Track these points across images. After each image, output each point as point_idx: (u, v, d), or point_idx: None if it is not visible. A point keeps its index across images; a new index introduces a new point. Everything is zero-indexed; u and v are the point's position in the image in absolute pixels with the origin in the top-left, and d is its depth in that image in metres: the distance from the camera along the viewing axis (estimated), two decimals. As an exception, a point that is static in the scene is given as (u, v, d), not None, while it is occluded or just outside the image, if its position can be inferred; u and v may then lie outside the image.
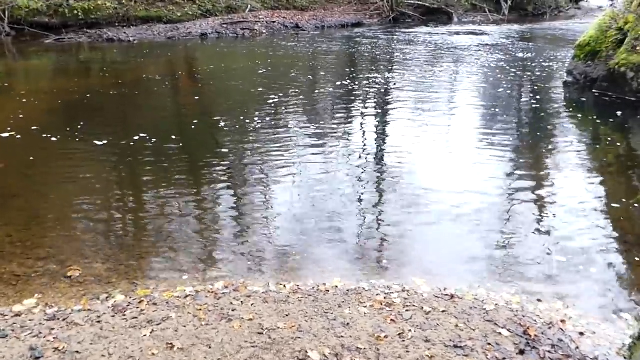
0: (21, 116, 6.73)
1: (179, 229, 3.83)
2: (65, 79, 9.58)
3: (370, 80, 9.27)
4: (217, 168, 5.08)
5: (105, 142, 5.69)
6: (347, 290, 2.87)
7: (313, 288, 2.92)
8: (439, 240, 3.73)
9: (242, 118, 6.70)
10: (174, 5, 16.20)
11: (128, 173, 5.04)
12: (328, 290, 2.87)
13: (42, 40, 13.41)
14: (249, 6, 17.38)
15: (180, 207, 4.22)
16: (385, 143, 6.04)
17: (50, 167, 5.12)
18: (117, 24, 15.11)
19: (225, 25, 15.33)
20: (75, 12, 14.53)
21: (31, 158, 5.24)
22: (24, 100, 7.70)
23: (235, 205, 4.32)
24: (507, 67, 10.43)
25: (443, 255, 3.52)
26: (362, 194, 4.50)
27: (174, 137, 5.88)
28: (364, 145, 5.89)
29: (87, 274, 3.22)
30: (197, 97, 8.11)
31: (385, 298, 2.77)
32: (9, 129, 6.02)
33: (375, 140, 6.16)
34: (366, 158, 5.44)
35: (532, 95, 8.32)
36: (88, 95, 7.94)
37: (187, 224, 3.93)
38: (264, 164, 5.16)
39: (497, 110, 7.51)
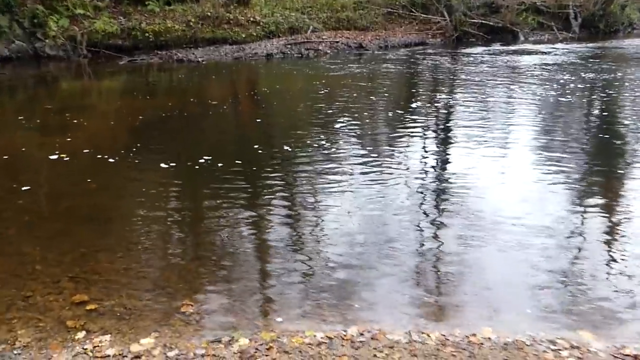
0: (90, 136, 6.76)
1: (279, 262, 3.56)
2: (133, 100, 9.68)
3: (432, 101, 8.91)
4: (288, 194, 4.86)
5: (173, 164, 5.52)
6: (505, 344, 2.48)
7: (463, 340, 2.54)
8: (580, 283, 3.28)
9: (303, 141, 6.49)
10: (239, 27, 16.40)
11: (207, 198, 4.78)
12: (482, 343, 2.49)
13: (116, 62, 13.81)
14: (311, 27, 17.39)
15: (271, 236, 3.98)
16: (447, 166, 5.70)
17: (127, 190, 5.05)
18: (185, 46, 15.40)
19: (289, 46, 15.35)
20: (147, 34, 14.93)
21: (104, 179, 5.19)
22: (95, 120, 7.80)
23: (319, 234, 3.99)
24: (577, 88, 9.80)
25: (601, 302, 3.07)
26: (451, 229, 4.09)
27: (238, 161, 5.66)
28: (425, 168, 5.55)
29: (201, 310, 2.97)
30: (259, 120, 7.93)
31: (555, 357, 2.36)
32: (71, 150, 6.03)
33: (437, 163, 5.83)
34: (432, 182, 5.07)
35: (603, 117, 7.72)
36: (155, 116, 7.95)
37: (283, 255, 3.65)
38: (329, 188, 4.89)
39: (564, 133, 6.99)
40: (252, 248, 3.82)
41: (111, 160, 5.67)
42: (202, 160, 5.56)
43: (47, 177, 5.45)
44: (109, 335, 2.72)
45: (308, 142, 6.39)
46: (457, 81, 10.99)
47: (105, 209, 4.61)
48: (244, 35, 16.20)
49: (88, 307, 2.99)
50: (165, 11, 16.10)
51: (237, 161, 5.65)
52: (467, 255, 3.62)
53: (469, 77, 11.23)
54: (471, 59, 14.32)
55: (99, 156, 5.77)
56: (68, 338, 2.71)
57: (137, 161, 5.73)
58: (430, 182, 5.12)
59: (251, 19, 16.73)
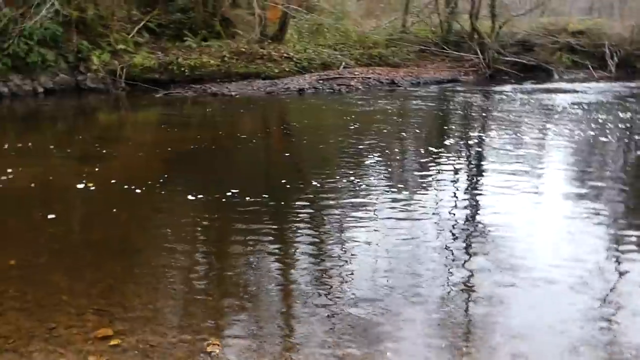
0: (119, 166, 6.85)
1: (303, 302, 3.41)
2: (164, 132, 9.82)
3: (464, 139, 8.75)
4: (315, 230, 4.75)
5: (200, 196, 5.47)
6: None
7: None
8: None
9: (332, 176, 6.39)
10: (272, 62, 16.70)
11: (234, 233, 4.67)
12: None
13: (152, 95, 14.18)
14: (343, 63, 17.58)
15: (296, 275, 3.85)
16: (478, 206, 5.49)
17: (153, 221, 5.04)
18: (219, 80, 15.73)
19: (321, 81, 15.50)
20: (183, 69, 15.33)
21: (131, 210, 5.18)
22: (125, 151, 7.93)
23: (345, 273, 3.83)
24: (614, 127, 9.45)
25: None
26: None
27: (265, 195, 5.58)
28: (455, 208, 5.34)
29: (228, 352, 2.83)
30: (288, 154, 7.88)
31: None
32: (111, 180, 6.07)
33: (468, 203, 5.63)
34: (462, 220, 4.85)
35: None
36: (185, 148, 8.01)
37: (308, 295, 3.51)
38: (357, 226, 4.75)
39: (600, 174, 6.73)
40: (277, 286, 3.69)
41: (138, 190, 5.68)
42: (230, 194, 5.51)
43: (73, 207, 5.50)
44: (130, 375, 2.61)
45: (337, 177, 6.30)
46: (490, 119, 10.82)
47: (132, 241, 4.58)
48: (276, 71, 16.46)
49: (112, 342, 2.90)
50: (201, 47, 16.56)
51: (264, 195, 5.59)
52: (497, 301, 3.42)
53: (502, 115, 11.04)
54: (504, 96, 14.14)
55: (126, 187, 5.80)
56: (89, 375, 2.61)
57: (163, 192, 5.73)
58: (460, 222, 4.92)
59: (284, 54, 17.03)
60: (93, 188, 5.78)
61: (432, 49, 19.40)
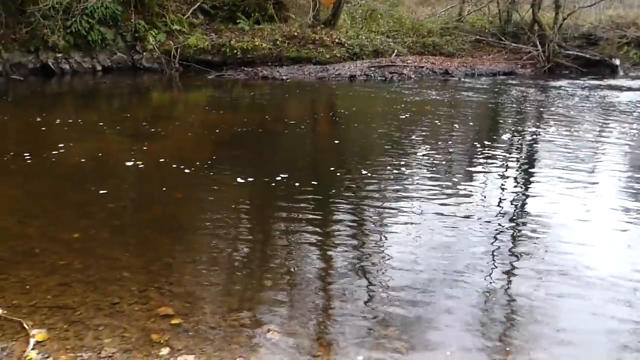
0: (168, 145, 6.92)
1: (371, 288, 3.32)
2: (214, 113, 9.89)
3: (517, 134, 8.34)
4: (360, 218, 4.63)
5: (250, 179, 5.46)
6: None
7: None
8: None
9: (380, 165, 6.22)
10: (324, 47, 16.55)
11: (282, 219, 4.62)
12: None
13: (204, 76, 14.34)
14: (396, 51, 17.24)
15: (342, 262, 3.73)
16: (527, 203, 5.20)
17: (205, 202, 5.01)
18: (270, 63, 15.74)
19: (373, 68, 15.26)
20: (235, 51, 15.41)
21: (183, 189, 5.19)
22: (175, 130, 8.01)
23: (387, 263, 3.69)
24: None
25: None
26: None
27: (314, 182, 5.54)
28: (503, 203, 5.08)
29: (287, 339, 2.78)
30: (337, 141, 7.72)
31: None
32: (159, 159, 6.12)
33: (517, 198, 5.33)
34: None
35: None
36: (234, 130, 8.03)
37: (354, 282, 3.41)
38: (402, 216, 4.55)
39: None
40: (319, 273, 3.60)
41: (187, 170, 5.72)
42: (279, 178, 5.47)
43: (124, 184, 5.56)
44: (193, 356, 2.59)
45: (384, 167, 6.13)
46: (547, 115, 10.31)
47: (185, 220, 4.60)
48: (328, 56, 16.31)
49: (173, 322, 2.90)
50: (254, 30, 16.59)
51: (313, 182, 5.53)
52: (541, 302, 3.22)
53: (559, 111, 10.52)
54: (563, 92, 13.50)
55: (175, 166, 5.86)
56: (152, 353, 2.61)
57: (212, 174, 5.75)
58: (508, 218, 4.66)
59: (336, 40, 16.85)
60: (142, 166, 5.87)
61: (488, 39, 18.74)
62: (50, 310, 2.99)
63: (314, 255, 3.90)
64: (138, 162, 5.96)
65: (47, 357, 2.54)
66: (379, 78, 14.76)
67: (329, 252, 3.93)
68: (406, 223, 4.47)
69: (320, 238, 4.16)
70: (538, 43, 17.43)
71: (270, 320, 2.96)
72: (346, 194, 5.25)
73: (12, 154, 6.17)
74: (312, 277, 3.55)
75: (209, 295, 3.25)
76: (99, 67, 14.18)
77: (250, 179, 5.46)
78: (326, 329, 2.93)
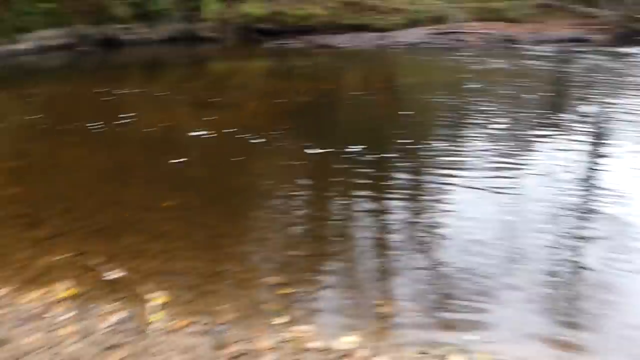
0: (233, 115, 6.95)
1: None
2: (274, 83, 9.87)
3: (588, 106, 7.74)
4: (425, 192, 4.44)
5: (319, 150, 5.40)
6: None
7: None
8: None
9: (447, 137, 6.05)
10: (382, 14, 16.13)
11: (355, 188, 4.55)
12: None
13: (262, 44, 14.30)
14: (457, 17, 16.58)
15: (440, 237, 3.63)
16: (597, 181, 4.80)
17: (281, 173, 4.99)
18: (327, 31, 15.50)
19: (434, 35, 14.77)
20: (292, 19, 15.25)
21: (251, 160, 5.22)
22: (237, 100, 8.03)
23: (448, 238, 3.54)
24: None
25: None
26: None
27: (385, 154, 5.39)
28: (571, 180, 4.72)
29: (401, 314, 2.76)
30: (402, 112, 7.46)
31: None
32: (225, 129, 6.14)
33: (586, 176, 4.96)
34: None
35: None
36: (294, 100, 7.97)
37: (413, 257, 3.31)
38: (467, 191, 4.36)
39: None
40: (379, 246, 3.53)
41: (254, 140, 5.72)
42: (349, 149, 5.39)
43: (197, 153, 5.63)
44: (309, 326, 2.61)
45: (455, 139, 5.97)
46: (622, 86, 9.65)
47: (265, 190, 4.61)
48: (386, 23, 15.90)
49: (283, 291, 2.94)
50: (311, -4, 16.33)
51: (384, 154, 5.38)
52: (611, 285, 3.01)
53: (635, 80, 9.86)
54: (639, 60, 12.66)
55: (241, 135, 5.88)
56: (268, 322, 2.65)
57: (281, 144, 5.76)
58: (578, 194, 4.39)
59: (395, 6, 16.38)
60: (210, 136, 5.94)
61: (556, 3, 17.69)
62: (162, 276, 3.08)
63: (390, 228, 3.82)
64: (205, 132, 6.04)
65: (169, 321, 2.63)
66: (439, 45, 14.27)
67: (393, 225, 3.83)
68: (468, 196, 4.31)
69: (394, 210, 4.07)
70: (611, 7, 16.32)
71: (382, 295, 2.94)
72: (419, 167, 5.13)
73: (91, 123, 6.37)
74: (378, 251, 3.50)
75: (315, 267, 3.25)
76: (160, 37, 14.38)
77: (320, 150, 5.42)
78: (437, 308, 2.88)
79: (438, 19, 16.39)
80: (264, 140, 5.81)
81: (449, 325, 2.67)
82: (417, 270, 3.20)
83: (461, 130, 6.45)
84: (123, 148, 5.68)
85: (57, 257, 3.26)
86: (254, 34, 14.92)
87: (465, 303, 2.84)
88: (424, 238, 3.63)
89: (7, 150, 5.44)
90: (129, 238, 3.56)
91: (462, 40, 14.44)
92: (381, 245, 3.53)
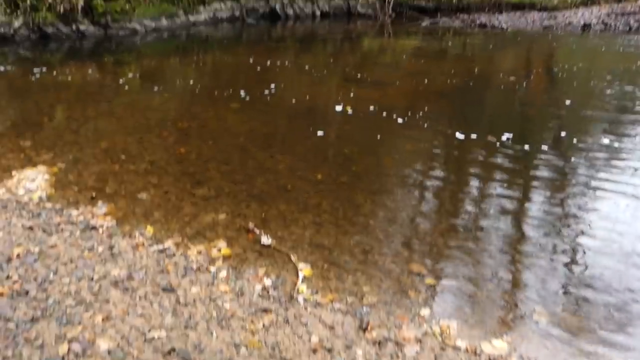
0: (382, 94, 6.75)
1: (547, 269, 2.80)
2: (424, 63, 9.50)
3: None
4: (573, 189, 3.81)
5: (471, 136, 5.11)
6: None
7: None
8: None
9: (618, 134, 5.30)
10: (553, -9, 14.66)
11: (516, 182, 4.18)
12: None
13: (417, 23, 13.91)
14: (645, -5, 14.41)
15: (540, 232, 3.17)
16: None
17: (431, 159, 4.75)
18: (487, 10, 14.59)
19: (614, 15, 13.04)
20: (452, -4, 14.58)
21: (392, 139, 5.00)
22: (382, 78, 7.78)
23: (584, 240, 3.00)
24: None
25: None
26: None
27: (544, 146, 4.92)
28: None
29: (553, 322, 2.50)
30: (568, 101, 6.61)
31: None
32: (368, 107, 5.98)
33: None
34: None
35: None
36: (441, 82, 7.64)
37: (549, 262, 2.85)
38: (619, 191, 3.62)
39: None
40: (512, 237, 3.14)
41: (400, 120, 5.62)
42: (504, 138, 5.04)
43: (338, 127, 5.64)
44: (455, 322, 2.48)
45: (626, 136, 5.19)
46: None
47: (418, 174, 4.48)
48: (555, 2, 14.49)
49: (427, 281, 2.83)
50: (474, -28, 15.42)
51: (543, 146, 4.91)
52: None
53: None
54: None
55: (385, 114, 5.78)
56: (413, 311, 2.57)
57: (426, 126, 5.56)
58: None
59: (570, -17, 14.77)
60: (352, 112, 5.94)
61: None
62: (309, 247, 3.16)
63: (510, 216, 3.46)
64: (353, 108, 6.06)
65: (315, 293, 2.68)
66: (620, 27, 12.58)
67: (529, 224, 3.44)
68: (616, 201, 3.75)
69: (522, 207, 3.68)
70: None
71: (536, 302, 2.70)
72: (571, 165, 4.56)
73: (249, 91, 6.75)
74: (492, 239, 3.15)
75: (455, 258, 3.09)
76: (318, 13, 14.75)
77: (471, 136, 5.12)
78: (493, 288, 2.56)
79: (621, -2, 14.45)
80: (409, 120, 5.70)
81: (608, 342, 2.35)
82: (567, 279, 2.86)
83: (627, 126, 5.62)
84: (277, 117, 5.95)
85: (219, 216, 3.52)
86: (412, 11, 14.57)
87: (625, 321, 2.48)
88: (572, 244, 3.24)
89: (178, 113, 6.01)
90: (283, 205, 3.70)
91: (650, 23, 12.54)
92: (526, 247, 3.22)
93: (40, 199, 3.65)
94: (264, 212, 3.61)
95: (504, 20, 13.49)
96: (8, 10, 10.25)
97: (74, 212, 3.45)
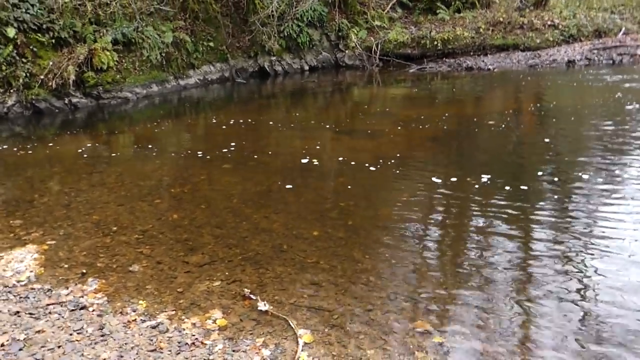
0: (375, 143, 6.72)
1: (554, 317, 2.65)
2: (416, 109, 9.47)
3: None
4: (569, 233, 3.70)
5: (457, 181, 5.08)
6: None
7: None
8: None
9: (596, 170, 5.23)
10: (533, 31, 15.04)
11: (484, 228, 4.08)
12: None
13: (404, 70, 14.19)
14: (623, 28, 14.81)
15: (543, 278, 3.03)
16: None
17: (421, 205, 4.66)
18: (472, 53, 14.91)
19: (596, 51, 13.33)
20: (435, 42, 14.94)
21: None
22: (378, 127, 7.81)
23: (594, 283, 2.86)
24: None
25: None
26: None
27: (520, 186, 4.87)
28: None
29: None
30: (547, 140, 6.56)
31: None
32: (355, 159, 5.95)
33: None
34: None
35: None
36: (434, 128, 7.56)
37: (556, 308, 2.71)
38: (616, 233, 3.51)
39: None
40: (515, 281, 3.00)
41: (394, 170, 5.55)
42: (484, 180, 4.99)
43: (340, 181, 5.58)
44: (467, 384, 2.33)
45: (602, 172, 5.12)
46: None
47: (408, 223, 4.38)
48: (538, 41, 14.80)
49: (434, 339, 2.68)
50: (454, 19, 15.89)
51: (521, 186, 4.86)
52: None
53: None
54: None
55: (381, 165, 5.73)
56: (421, 374, 2.42)
57: (419, 174, 5.52)
58: None
59: (549, 22, 15.18)
60: (351, 163, 5.94)
61: None
62: (309, 311, 3.02)
63: (518, 270, 3.33)
64: (347, 160, 6.08)
65: (317, 363, 2.53)
66: (604, 62, 12.84)
67: (534, 268, 3.31)
68: (614, 241, 3.62)
69: (524, 251, 3.56)
70: None
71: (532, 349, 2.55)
72: (558, 203, 4.50)
73: (241, 151, 6.75)
74: (498, 287, 3.01)
75: (459, 312, 2.95)
76: (306, 67, 15.07)
77: (458, 180, 5.12)
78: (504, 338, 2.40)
79: (600, 33, 14.81)
80: (404, 169, 5.67)
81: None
82: (580, 332, 2.71)
83: (615, 160, 5.54)
84: (269, 174, 5.88)
85: (213, 283, 3.39)
86: (398, 59, 14.89)
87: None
88: (580, 290, 3.10)
89: (170, 178, 5.97)
90: (279, 267, 3.59)
91: (633, 55, 12.80)
92: (534, 294, 3.09)
93: (29, 280, 3.53)
94: (260, 275, 3.49)
95: (490, 62, 13.77)
96: (1, 90, 10.44)
97: (63, 292, 3.33)
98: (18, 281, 3.48)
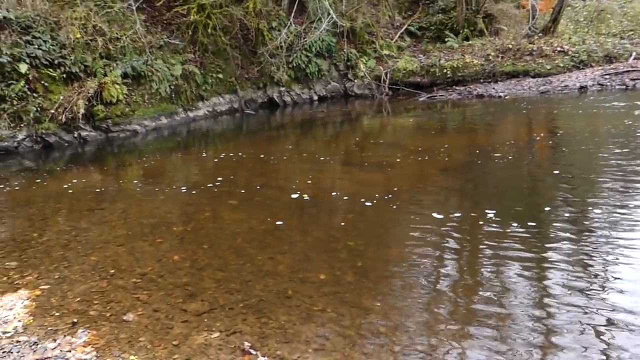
0: (385, 176, 6.50)
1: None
2: (426, 139, 9.29)
3: None
4: (583, 272, 3.40)
5: (460, 217, 4.83)
6: None
7: None
8: None
9: (603, 204, 4.95)
10: (543, 58, 14.93)
11: (488, 266, 3.81)
12: None
13: (414, 98, 14.07)
14: (634, 53, 14.64)
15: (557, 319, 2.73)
16: None
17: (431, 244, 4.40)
18: (482, 80, 14.79)
19: (608, 76, 13.12)
20: (445, 70, 14.87)
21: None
22: (387, 159, 7.60)
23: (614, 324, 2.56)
24: None
25: None
26: None
27: (531, 222, 4.56)
28: None
29: None
30: (556, 171, 6.29)
31: None
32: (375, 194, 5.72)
33: None
34: None
35: None
36: (444, 159, 7.34)
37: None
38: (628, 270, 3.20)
39: None
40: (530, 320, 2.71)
41: (405, 206, 5.27)
42: (488, 215, 4.76)
43: (349, 218, 5.35)
44: None
45: (617, 206, 4.83)
46: None
47: (421, 264, 4.12)
48: (548, 67, 14.67)
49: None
50: (463, 46, 15.86)
51: (528, 222, 4.58)
52: None
53: None
54: None
55: (392, 199, 5.52)
56: None
57: (435, 209, 5.22)
58: None
59: (558, 48, 15.07)
60: (360, 199, 5.65)
61: None
62: (314, 369, 2.77)
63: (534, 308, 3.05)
64: (351, 195, 5.86)
65: None
66: (617, 87, 12.60)
67: (549, 308, 3.03)
68: (630, 279, 3.32)
69: (534, 290, 3.28)
70: None
71: None
72: (560, 236, 4.24)
73: (248, 185, 6.57)
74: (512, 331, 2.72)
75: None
76: (315, 97, 15.04)
77: (487, 215, 4.83)
78: None
79: (611, 58, 14.65)
80: (416, 204, 5.46)
81: None
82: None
83: (631, 193, 5.26)
84: (276, 211, 5.67)
85: (211, 335, 3.16)
86: (408, 87, 14.81)
87: None
88: (599, 324, 2.81)
89: (173, 215, 5.78)
90: (283, 316, 3.35)
91: (645, 79, 12.56)
92: (553, 332, 2.80)
93: (15, 330, 3.32)
94: (262, 325, 3.25)
95: (500, 89, 13.61)
96: (12, 124, 10.47)
97: (50, 345, 3.11)
98: (4, 332, 3.28)
